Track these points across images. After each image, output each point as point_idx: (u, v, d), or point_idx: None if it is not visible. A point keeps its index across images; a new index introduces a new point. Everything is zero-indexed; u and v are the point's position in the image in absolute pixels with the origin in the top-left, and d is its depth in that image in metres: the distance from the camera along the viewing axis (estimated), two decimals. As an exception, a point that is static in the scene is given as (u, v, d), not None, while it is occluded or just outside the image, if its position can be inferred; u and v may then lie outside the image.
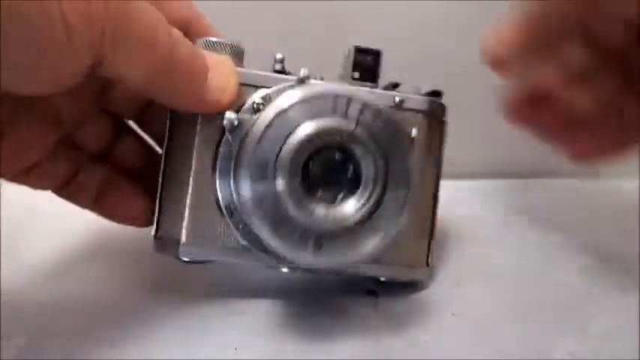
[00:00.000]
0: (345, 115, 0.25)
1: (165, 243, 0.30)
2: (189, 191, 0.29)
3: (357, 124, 0.25)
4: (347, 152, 0.25)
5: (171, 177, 0.30)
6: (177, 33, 0.26)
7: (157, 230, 0.30)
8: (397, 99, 0.30)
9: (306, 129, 0.25)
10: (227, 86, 0.28)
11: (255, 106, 0.28)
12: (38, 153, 0.29)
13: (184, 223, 0.29)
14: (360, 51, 0.30)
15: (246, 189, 0.26)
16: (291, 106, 0.25)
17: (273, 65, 0.30)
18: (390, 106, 0.29)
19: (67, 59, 0.22)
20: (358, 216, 0.25)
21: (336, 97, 0.25)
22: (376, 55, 0.30)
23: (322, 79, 0.30)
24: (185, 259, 0.29)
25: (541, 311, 0.32)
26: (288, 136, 0.25)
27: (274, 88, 0.28)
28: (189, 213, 0.28)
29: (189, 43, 0.27)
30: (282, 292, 0.31)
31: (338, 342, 0.28)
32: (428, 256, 0.32)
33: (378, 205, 0.26)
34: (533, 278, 0.35)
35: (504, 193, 0.47)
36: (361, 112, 0.25)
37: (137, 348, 0.27)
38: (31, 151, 0.29)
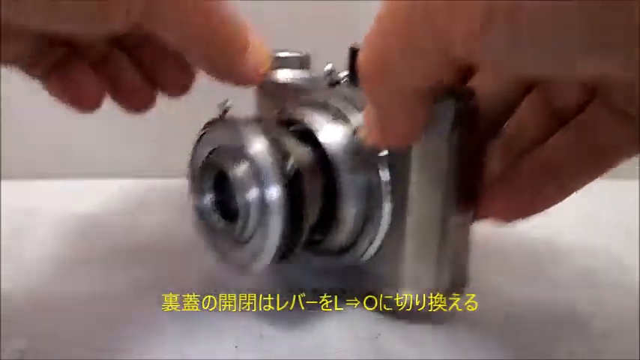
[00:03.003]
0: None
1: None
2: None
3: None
4: None
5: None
6: (224, 2, 0.25)
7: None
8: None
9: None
10: (262, 65, 0.28)
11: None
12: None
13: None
14: (355, 52, 0.27)
15: None
16: (212, 128, 0.27)
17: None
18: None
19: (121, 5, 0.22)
20: (246, 237, 0.27)
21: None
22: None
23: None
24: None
25: (541, 311, 0.31)
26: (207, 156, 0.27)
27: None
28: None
29: (234, 14, 0.26)
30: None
31: (338, 342, 0.28)
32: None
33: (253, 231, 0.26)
34: (532, 278, 0.35)
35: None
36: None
37: (137, 349, 0.27)
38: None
